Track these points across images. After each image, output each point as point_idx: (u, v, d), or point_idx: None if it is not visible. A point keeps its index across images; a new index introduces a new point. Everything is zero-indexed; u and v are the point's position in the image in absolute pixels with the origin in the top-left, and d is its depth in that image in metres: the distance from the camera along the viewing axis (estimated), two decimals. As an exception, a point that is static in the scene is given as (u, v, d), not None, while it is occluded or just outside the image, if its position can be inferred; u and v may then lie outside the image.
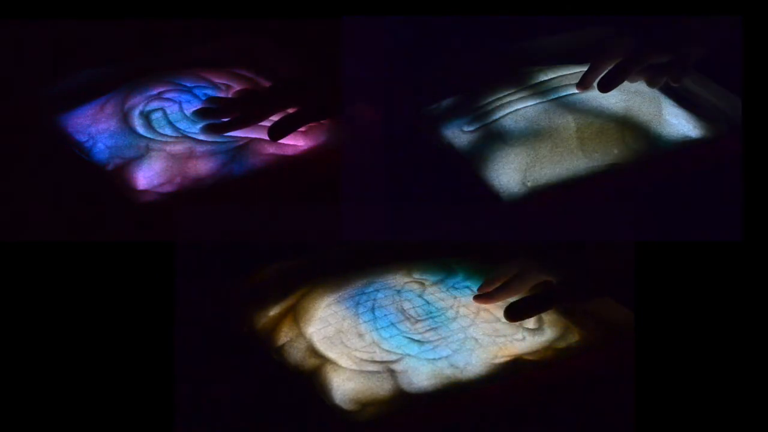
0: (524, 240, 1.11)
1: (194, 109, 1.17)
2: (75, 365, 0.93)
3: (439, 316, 1.07)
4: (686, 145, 1.15)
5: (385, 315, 1.06)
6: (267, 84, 1.24)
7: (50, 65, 1.24)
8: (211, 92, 1.21)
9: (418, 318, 1.07)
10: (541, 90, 1.21)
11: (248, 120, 1.14)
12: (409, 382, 0.97)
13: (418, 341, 1.02)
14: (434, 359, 1.00)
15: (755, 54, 1.07)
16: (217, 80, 1.24)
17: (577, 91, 1.20)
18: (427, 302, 1.09)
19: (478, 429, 0.95)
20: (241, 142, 1.14)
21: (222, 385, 0.98)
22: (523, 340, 1.04)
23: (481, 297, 1.09)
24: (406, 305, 1.08)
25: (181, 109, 1.17)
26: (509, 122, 1.16)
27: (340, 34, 1.17)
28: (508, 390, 0.98)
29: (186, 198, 1.07)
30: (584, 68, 1.24)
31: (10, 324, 0.94)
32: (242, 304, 1.08)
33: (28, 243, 0.98)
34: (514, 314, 1.04)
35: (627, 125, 1.16)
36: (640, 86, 1.21)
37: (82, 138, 1.14)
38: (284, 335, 1.04)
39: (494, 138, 1.14)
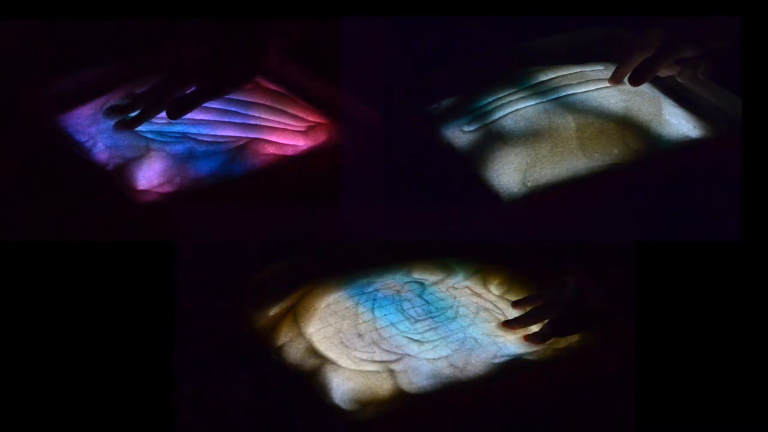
0: (524, 240, 1.11)
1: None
2: (75, 365, 0.93)
3: (439, 316, 1.07)
4: (686, 145, 1.15)
5: (385, 315, 1.06)
6: (267, 84, 1.24)
7: (50, 65, 1.24)
8: None
9: (418, 318, 1.07)
10: (541, 90, 1.21)
11: (152, 109, 1.14)
12: (409, 382, 0.97)
13: (418, 341, 1.02)
14: (434, 359, 1.00)
15: (755, 54, 1.07)
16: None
17: (577, 91, 1.20)
18: (427, 302, 1.09)
19: (478, 429, 0.95)
20: (241, 142, 1.14)
21: (222, 385, 0.98)
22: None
23: (512, 323, 1.06)
24: (406, 305, 1.08)
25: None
26: (509, 122, 1.16)
27: (340, 34, 1.17)
28: (508, 390, 0.98)
29: (186, 198, 1.07)
30: (584, 68, 1.24)
31: (10, 324, 0.94)
32: (242, 304, 1.08)
33: (28, 243, 0.98)
34: (538, 340, 1.03)
35: (627, 125, 1.16)
36: (641, 86, 1.21)
37: (82, 138, 1.14)
38: (284, 335, 1.04)
39: (494, 138, 1.14)
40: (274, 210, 1.07)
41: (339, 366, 0.99)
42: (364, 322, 1.05)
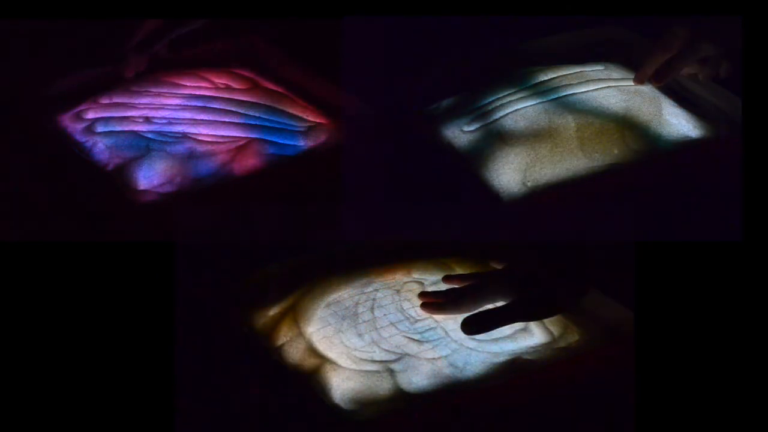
0: (524, 240, 1.11)
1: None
2: (75, 365, 0.93)
3: (439, 316, 1.07)
4: (686, 145, 1.15)
5: (385, 315, 1.06)
6: (267, 84, 1.24)
7: (50, 65, 1.24)
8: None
9: (418, 318, 1.07)
10: (541, 90, 1.21)
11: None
12: (408, 381, 0.97)
13: (417, 341, 1.02)
14: (434, 359, 1.00)
15: (755, 54, 1.07)
16: (217, 80, 1.24)
17: (577, 91, 1.20)
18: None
19: (478, 429, 0.95)
20: (241, 142, 1.14)
21: (222, 385, 0.98)
22: (523, 339, 1.04)
23: (429, 306, 1.07)
24: (406, 305, 1.08)
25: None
26: (509, 122, 1.16)
27: (340, 34, 1.17)
28: (508, 390, 0.97)
29: (186, 198, 1.07)
30: (584, 68, 1.25)
31: (10, 324, 0.94)
32: (242, 304, 1.08)
33: (28, 243, 0.98)
34: (471, 328, 1.02)
35: (627, 125, 1.16)
36: (640, 86, 1.21)
37: (82, 138, 1.14)
38: (284, 335, 1.04)
39: (494, 138, 1.14)
40: (274, 210, 1.07)
41: (339, 366, 0.99)
42: (364, 322, 1.05)
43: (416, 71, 1.27)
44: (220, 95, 1.21)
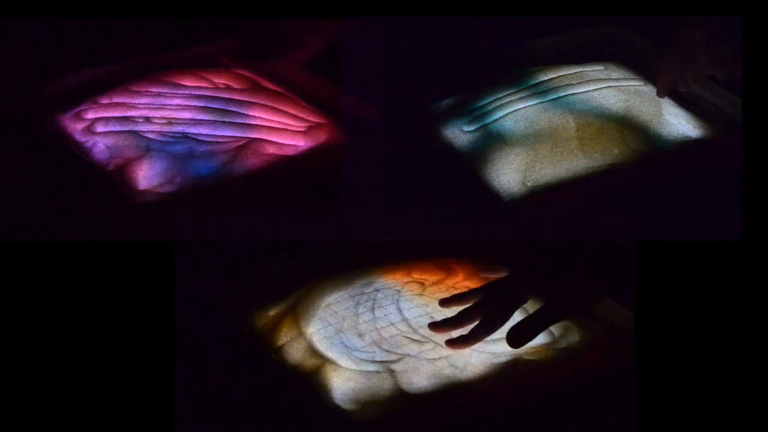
0: (524, 240, 1.11)
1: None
2: (75, 365, 0.93)
3: (439, 315, 1.07)
4: (686, 145, 1.15)
5: (385, 315, 1.06)
6: (267, 84, 1.24)
7: (50, 65, 1.24)
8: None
9: (418, 318, 1.06)
10: (541, 90, 1.21)
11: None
12: (409, 382, 0.97)
13: (418, 341, 1.02)
14: (434, 359, 1.00)
15: (755, 54, 1.07)
16: (217, 80, 1.24)
17: (577, 91, 1.20)
18: (427, 302, 1.09)
19: (478, 429, 0.95)
20: (241, 142, 1.14)
21: (222, 385, 0.98)
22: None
23: (458, 342, 1.01)
24: (406, 305, 1.08)
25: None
26: (509, 122, 1.16)
27: (340, 34, 1.17)
28: (508, 390, 0.97)
29: (186, 198, 1.07)
30: (584, 68, 1.25)
31: (10, 324, 0.94)
32: (242, 304, 1.08)
33: (28, 243, 0.98)
34: (517, 341, 1.00)
35: (627, 125, 1.16)
36: (641, 86, 1.21)
37: (82, 138, 1.14)
38: (284, 335, 1.04)
39: (494, 138, 1.14)
40: (274, 210, 1.07)
41: (339, 366, 0.99)
42: (364, 322, 1.05)
43: (416, 71, 1.27)
44: (220, 95, 1.21)
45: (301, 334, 1.03)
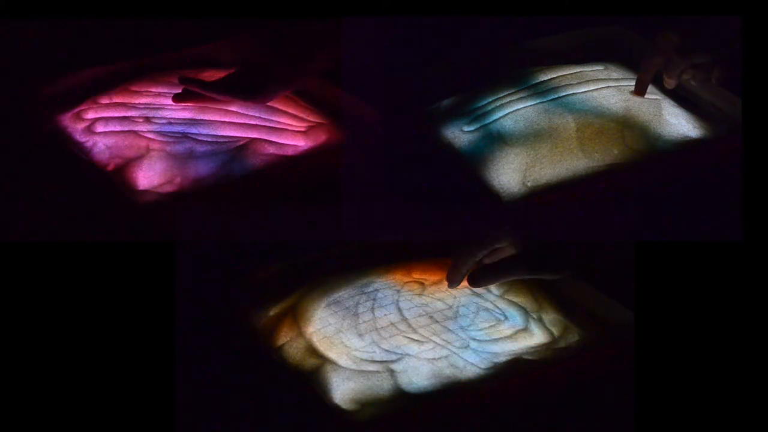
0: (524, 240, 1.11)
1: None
2: (75, 365, 0.93)
3: (439, 315, 1.07)
4: (686, 145, 1.15)
5: (386, 315, 1.06)
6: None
7: (50, 65, 1.24)
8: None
9: (418, 318, 1.06)
10: (541, 90, 1.21)
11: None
12: (409, 382, 0.97)
13: (418, 341, 1.02)
14: (434, 359, 1.00)
15: (755, 54, 1.07)
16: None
17: (577, 91, 1.20)
18: (427, 302, 1.09)
19: (478, 429, 0.95)
20: (241, 142, 1.14)
21: (222, 385, 0.98)
22: (523, 339, 1.04)
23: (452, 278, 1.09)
24: (406, 305, 1.08)
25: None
26: (509, 122, 1.16)
27: (340, 34, 1.17)
28: (508, 390, 0.98)
29: (186, 198, 1.07)
30: (584, 68, 1.25)
31: (10, 324, 0.94)
32: (242, 304, 1.08)
33: (28, 243, 0.98)
34: (477, 281, 1.06)
35: (627, 125, 1.16)
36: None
37: (82, 138, 1.14)
38: (284, 335, 1.04)
39: (494, 138, 1.14)
40: (274, 210, 1.07)
41: (339, 366, 0.99)
42: (364, 322, 1.05)
43: (416, 71, 1.27)
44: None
45: (301, 334, 1.03)
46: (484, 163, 1.11)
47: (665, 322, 0.97)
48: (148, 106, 1.19)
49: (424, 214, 1.08)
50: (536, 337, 1.04)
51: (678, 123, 1.17)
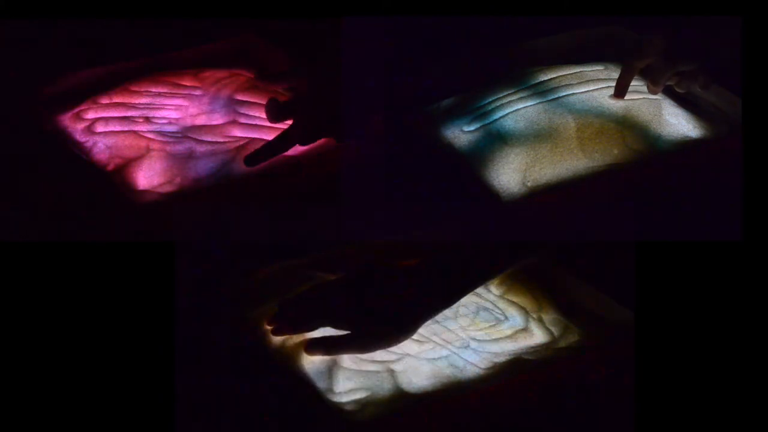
0: (524, 240, 1.11)
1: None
2: (75, 365, 0.93)
3: (439, 315, 1.07)
4: (686, 145, 1.15)
5: (385, 315, 1.06)
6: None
7: (50, 65, 1.24)
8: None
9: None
10: (541, 90, 1.21)
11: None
12: (409, 382, 0.97)
13: (417, 341, 1.02)
14: (434, 359, 1.00)
15: (755, 54, 1.07)
16: (216, 80, 1.24)
17: (577, 91, 1.20)
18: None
19: (478, 429, 0.95)
20: (241, 142, 1.14)
21: (222, 385, 0.98)
22: (523, 339, 1.04)
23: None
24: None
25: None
26: (509, 122, 1.16)
27: (340, 34, 1.17)
28: (508, 390, 0.98)
29: (186, 198, 1.07)
30: (584, 68, 1.24)
31: (10, 324, 0.94)
32: (242, 304, 1.08)
33: (28, 243, 0.98)
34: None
35: (627, 125, 1.16)
36: (640, 86, 1.21)
37: (82, 138, 1.14)
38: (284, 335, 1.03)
39: (494, 138, 1.14)
40: (274, 210, 1.07)
41: (339, 366, 0.99)
42: (364, 322, 1.05)
43: (416, 71, 1.27)
44: (220, 95, 1.21)
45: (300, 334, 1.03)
46: (484, 163, 1.11)
47: (665, 322, 0.97)
48: (148, 106, 1.19)
49: (424, 214, 1.08)
50: (536, 337, 1.04)
51: (678, 123, 1.17)
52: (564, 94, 1.20)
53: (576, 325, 1.06)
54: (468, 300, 1.09)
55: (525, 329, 1.05)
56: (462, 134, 1.16)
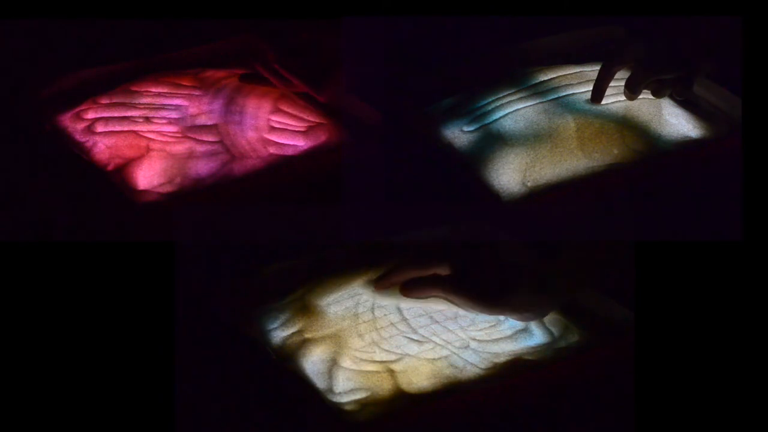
0: (524, 240, 1.11)
1: None
2: (75, 365, 0.93)
3: (439, 315, 1.07)
4: (686, 145, 1.15)
5: (385, 315, 1.06)
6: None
7: (50, 65, 1.24)
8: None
9: (418, 318, 1.06)
10: (541, 90, 1.21)
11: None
12: (409, 382, 0.97)
13: (417, 341, 1.02)
14: (434, 359, 1.00)
15: (755, 54, 1.07)
16: (216, 80, 1.24)
17: (577, 91, 1.20)
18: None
19: (478, 429, 0.95)
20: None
21: (222, 385, 0.98)
22: (523, 339, 1.04)
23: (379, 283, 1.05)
24: (406, 305, 1.08)
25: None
26: (509, 122, 1.16)
27: (340, 34, 1.17)
28: (508, 390, 0.97)
29: (186, 198, 1.07)
30: (584, 68, 1.24)
31: (10, 324, 0.94)
32: (242, 304, 1.08)
33: (28, 243, 0.98)
34: (409, 291, 1.03)
35: (627, 125, 1.16)
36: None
37: (82, 138, 1.14)
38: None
39: (494, 138, 1.14)
40: (274, 210, 1.07)
41: (339, 366, 0.99)
42: (364, 322, 1.05)
43: (416, 71, 1.27)
44: (220, 95, 1.21)
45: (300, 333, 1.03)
46: (484, 163, 1.12)
47: (665, 322, 0.97)
48: (148, 106, 1.19)
49: (424, 214, 1.08)
50: (536, 337, 1.04)
51: (678, 123, 1.17)
52: (564, 94, 1.20)
53: (576, 325, 1.06)
54: (468, 300, 1.09)
55: (525, 329, 1.05)
56: (462, 134, 1.16)
